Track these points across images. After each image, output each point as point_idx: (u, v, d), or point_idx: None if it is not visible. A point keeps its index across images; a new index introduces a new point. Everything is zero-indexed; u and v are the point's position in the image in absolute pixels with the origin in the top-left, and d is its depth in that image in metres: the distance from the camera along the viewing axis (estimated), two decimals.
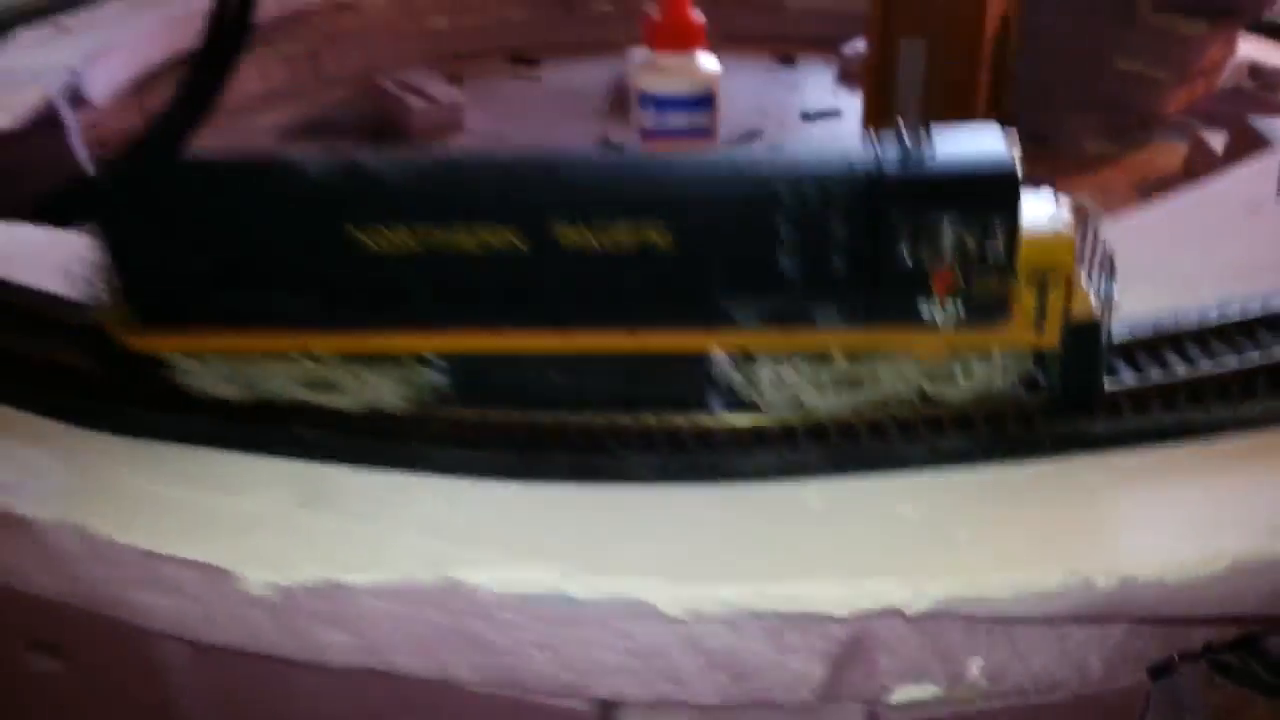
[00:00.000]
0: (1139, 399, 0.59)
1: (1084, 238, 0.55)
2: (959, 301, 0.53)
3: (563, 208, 0.54)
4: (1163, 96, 1.69)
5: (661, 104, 1.23)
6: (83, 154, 1.52)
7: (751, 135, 1.78)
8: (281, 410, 0.62)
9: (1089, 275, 0.56)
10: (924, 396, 0.57)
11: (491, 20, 2.17)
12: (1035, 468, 0.59)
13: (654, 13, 1.22)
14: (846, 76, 2.07)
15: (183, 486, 0.63)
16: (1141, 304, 0.69)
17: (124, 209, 0.59)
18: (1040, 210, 0.55)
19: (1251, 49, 1.82)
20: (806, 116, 1.88)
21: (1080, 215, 0.55)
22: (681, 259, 0.55)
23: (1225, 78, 1.77)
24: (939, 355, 0.56)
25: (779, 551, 0.58)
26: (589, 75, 2.10)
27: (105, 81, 1.55)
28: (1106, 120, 1.73)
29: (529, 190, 0.55)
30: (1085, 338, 0.55)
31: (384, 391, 0.62)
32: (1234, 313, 0.66)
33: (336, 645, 0.60)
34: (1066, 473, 0.59)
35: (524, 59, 2.15)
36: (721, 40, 2.35)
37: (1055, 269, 0.53)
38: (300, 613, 0.59)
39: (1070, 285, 0.54)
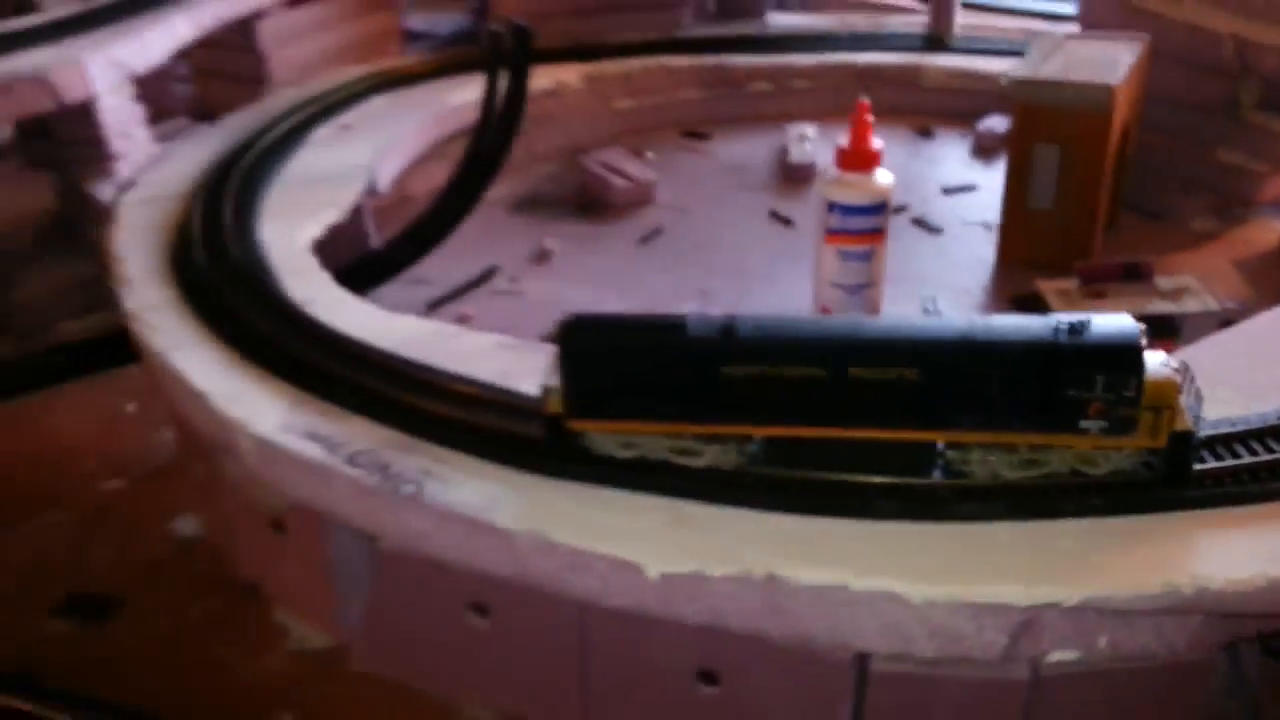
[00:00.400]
0: (1217, 477, 0.91)
1: (1184, 380, 0.88)
2: (1105, 420, 0.87)
3: (855, 356, 0.89)
4: (1260, 185, 1.97)
5: (846, 210, 1.57)
6: (372, 232, 1.93)
7: (900, 209, 2.11)
8: (657, 465, 0.98)
9: (1186, 402, 0.89)
10: (1077, 473, 0.91)
11: (668, 99, 2.51)
12: (1148, 519, 0.90)
13: (843, 141, 1.57)
14: (980, 151, 2.37)
15: (594, 510, 1.00)
16: (1224, 407, 1.01)
17: (575, 349, 0.95)
18: (1158, 362, 0.88)
19: None
20: (946, 191, 2.19)
21: (1184, 368, 0.88)
22: (925, 388, 0.89)
23: None
24: (1091, 448, 0.89)
25: (982, 565, 0.89)
26: (752, 148, 2.43)
27: (388, 173, 1.96)
28: (1211, 202, 2.01)
29: (836, 346, 0.90)
30: (1182, 440, 0.88)
31: (722, 456, 0.98)
32: None
33: (695, 611, 0.95)
34: (1167, 523, 0.90)
35: (695, 133, 2.50)
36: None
37: (1165, 401, 0.86)
38: (676, 591, 0.94)
39: (1174, 410, 0.87)
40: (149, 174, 1.80)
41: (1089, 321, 0.86)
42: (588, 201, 2.17)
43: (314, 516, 1.14)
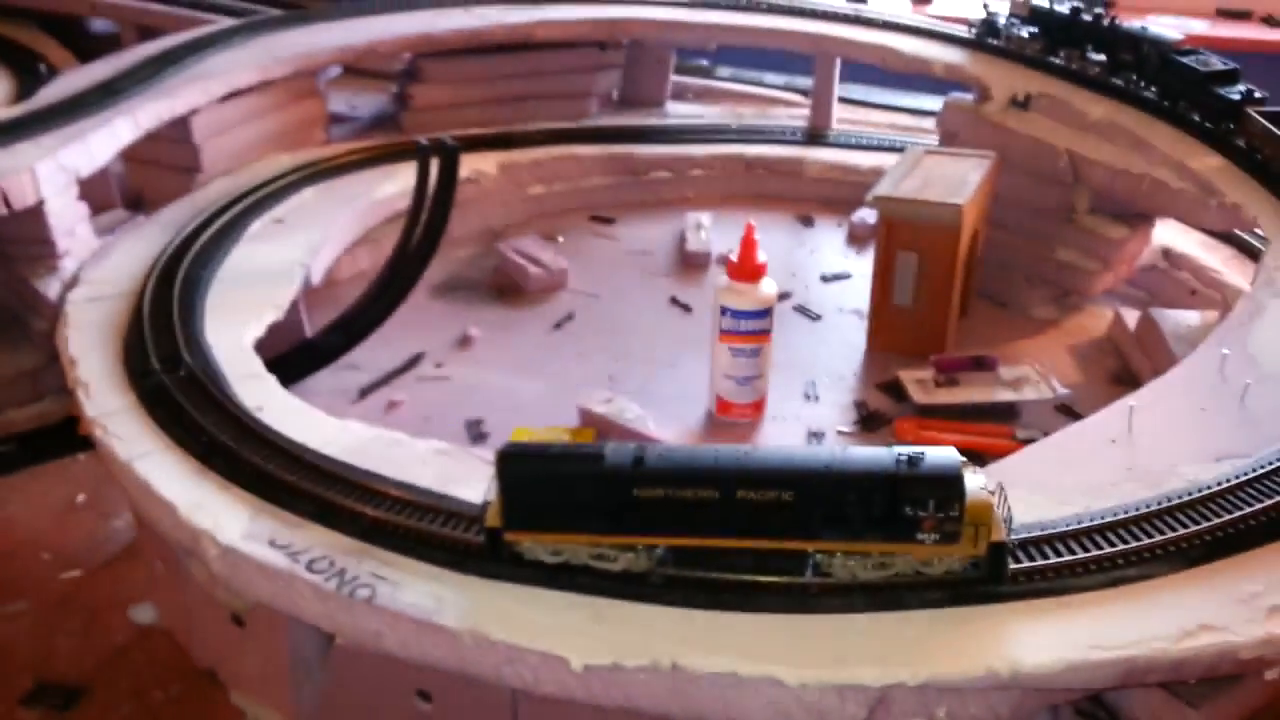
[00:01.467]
0: (1027, 574, 1.14)
1: (998, 499, 1.11)
2: (937, 533, 1.09)
3: (742, 481, 1.10)
4: (1091, 280, 2.26)
5: (736, 314, 1.80)
6: (306, 321, 2.08)
7: (784, 296, 2.34)
8: (579, 569, 1.16)
9: (1000, 517, 1.12)
10: (918, 573, 1.13)
11: (576, 186, 2.71)
12: (974, 610, 1.10)
13: (733, 255, 1.79)
14: (854, 240, 2.62)
15: (527, 609, 1.18)
16: (1034, 511, 1.25)
17: (511, 474, 1.14)
18: (977, 484, 1.10)
19: (1166, 233, 2.38)
20: (824, 279, 2.44)
21: (999, 488, 1.11)
22: (797, 507, 1.10)
23: (1143, 259, 2.35)
24: (926, 555, 1.12)
25: (844, 651, 1.09)
26: (654, 232, 2.64)
27: (321, 266, 2.10)
28: (1051, 294, 2.30)
29: (727, 473, 1.10)
30: (998, 548, 1.10)
31: (634, 561, 1.17)
32: (1086, 519, 1.22)
33: (611, 697, 1.14)
34: (989, 613, 1.10)
35: (602, 218, 2.71)
36: (753, 199, 2.99)
37: (982, 517, 1.09)
38: (596, 680, 1.12)
39: (990, 524, 1.10)
40: (92, 270, 1.90)
41: (923, 454, 1.08)
42: (505, 286, 2.35)
43: (273, 613, 1.29)
